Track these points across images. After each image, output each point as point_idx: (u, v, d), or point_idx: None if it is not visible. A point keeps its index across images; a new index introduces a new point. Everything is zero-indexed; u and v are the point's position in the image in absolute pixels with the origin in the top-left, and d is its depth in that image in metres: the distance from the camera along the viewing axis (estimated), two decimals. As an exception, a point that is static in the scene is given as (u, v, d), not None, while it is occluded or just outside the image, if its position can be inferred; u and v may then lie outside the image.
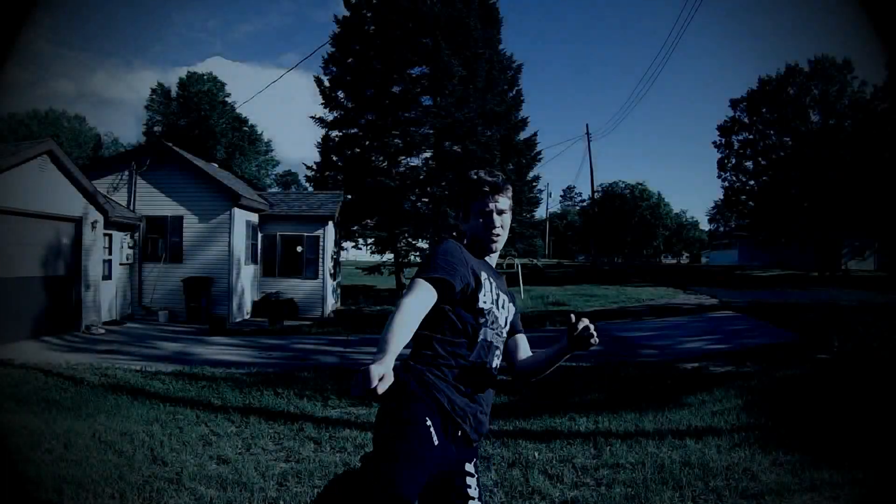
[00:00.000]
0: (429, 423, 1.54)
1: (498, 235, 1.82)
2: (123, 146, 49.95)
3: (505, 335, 1.84)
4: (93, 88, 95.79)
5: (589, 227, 58.84)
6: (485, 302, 1.73)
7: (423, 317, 1.53)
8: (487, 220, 1.80)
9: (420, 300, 1.54)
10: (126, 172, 12.86)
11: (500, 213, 1.81)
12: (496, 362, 1.77)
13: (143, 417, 4.90)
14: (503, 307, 1.82)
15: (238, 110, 44.30)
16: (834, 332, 8.37)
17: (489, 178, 1.81)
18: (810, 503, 3.19)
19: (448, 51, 17.53)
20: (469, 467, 1.71)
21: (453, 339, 1.67)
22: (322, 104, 19.68)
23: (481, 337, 1.71)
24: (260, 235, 14.58)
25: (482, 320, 1.71)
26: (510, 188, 1.86)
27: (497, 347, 1.77)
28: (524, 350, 1.95)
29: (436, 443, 1.54)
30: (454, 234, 1.86)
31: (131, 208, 12.71)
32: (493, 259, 1.89)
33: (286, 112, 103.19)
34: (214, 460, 3.91)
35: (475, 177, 1.83)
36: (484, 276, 1.75)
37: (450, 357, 1.65)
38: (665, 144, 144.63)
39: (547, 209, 67.82)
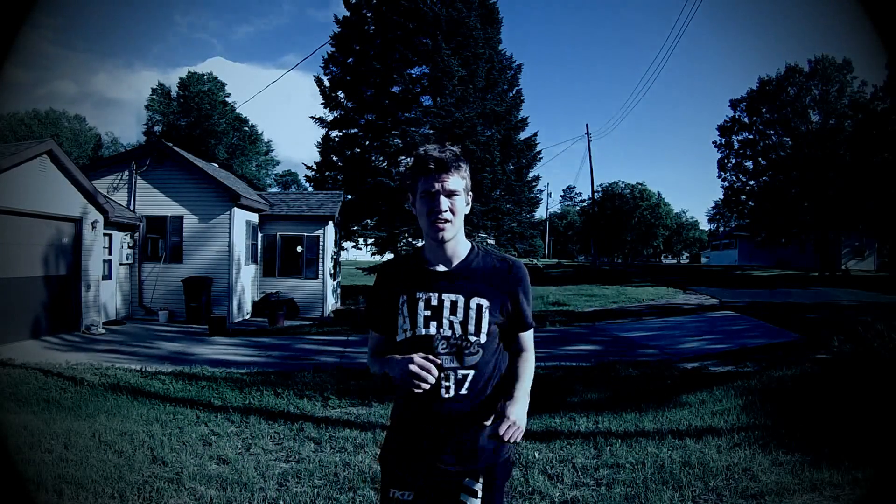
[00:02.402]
0: None
1: (445, 221, 1.47)
2: (123, 146, 49.98)
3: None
4: (93, 89, 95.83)
5: (589, 227, 58.84)
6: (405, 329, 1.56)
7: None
8: (432, 203, 1.47)
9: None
10: (126, 172, 12.87)
11: (450, 194, 1.48)
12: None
13: (143, 417, 4.90)
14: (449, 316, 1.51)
15: (238, 110, 44.41)
16: (834, 332, 8.37)
17: (435, 154, 1.48)
18: (810, 503, 3.19)
19: (448, 51, 17.52)
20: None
21: None
22: (322, 104, 19.68)
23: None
24: (260, 235, 14.58)
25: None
26: (464, 166, 1.53)
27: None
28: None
29: None
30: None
31: (131, 208, 12.71)
32: (457, 250, 1.56)
33: (286, 112, 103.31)
34: (214, 460, 3.91)
35: (421, 153, 1.51)
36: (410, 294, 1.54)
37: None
38: (665, 144, 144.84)
39: (547, 209, 67.92)
